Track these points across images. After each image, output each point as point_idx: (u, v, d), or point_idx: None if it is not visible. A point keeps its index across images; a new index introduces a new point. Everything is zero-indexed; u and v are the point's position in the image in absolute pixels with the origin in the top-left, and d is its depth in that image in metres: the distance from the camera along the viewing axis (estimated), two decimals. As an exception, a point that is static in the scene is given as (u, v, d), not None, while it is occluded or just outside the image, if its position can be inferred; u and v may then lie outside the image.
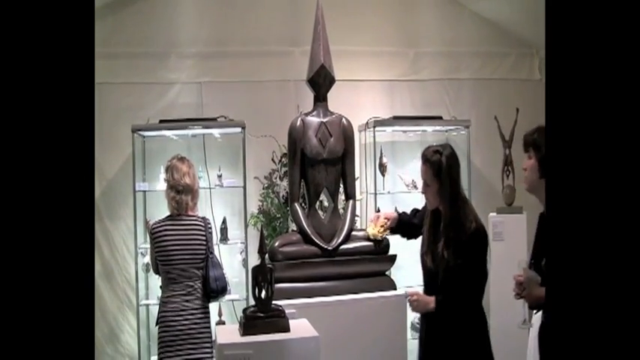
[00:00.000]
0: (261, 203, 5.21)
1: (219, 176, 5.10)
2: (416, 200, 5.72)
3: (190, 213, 4.01)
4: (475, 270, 3.17)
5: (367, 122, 5.28)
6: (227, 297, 4.68)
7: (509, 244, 5.24)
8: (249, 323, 2.85)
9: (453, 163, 3.25)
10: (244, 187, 4.99)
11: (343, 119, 4.36)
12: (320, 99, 4.36)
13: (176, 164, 4.04)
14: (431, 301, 3.14)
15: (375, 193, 5.28)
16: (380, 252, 4.13)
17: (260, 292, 2.93)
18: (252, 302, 3.03)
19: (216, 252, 4.23)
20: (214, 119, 4.98)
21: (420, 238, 3.40)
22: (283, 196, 5.12)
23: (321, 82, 4.30)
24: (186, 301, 3.84)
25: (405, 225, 3.80)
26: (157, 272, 4.07)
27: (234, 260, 5.17)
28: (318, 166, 4.20)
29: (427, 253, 3.23)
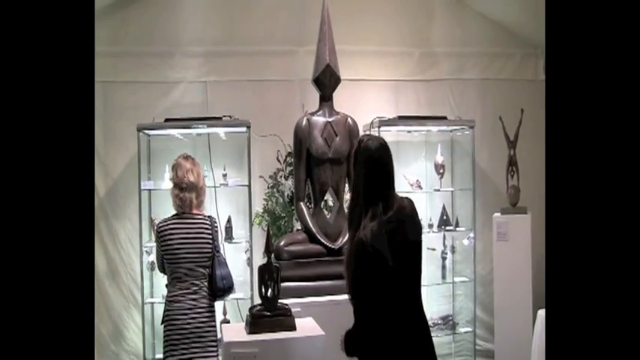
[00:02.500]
0: (266, 202, 5.22)
1: (224, 175, 5.11)
2: (420, 200, 5.75)
3: (195, 211, 4.00)
4: (356, 285, 2.82)
5: (372, 122, 5.28)
6: (232, 296, 4.69)
7: (514, 245, 5.25)
8: (256, 322, 2.86)
9: (359, 158, 2.92)
10: (249, 186, 5.00)
11: (349, 119, 4.37)
12: (325, 98, 4.37)
13: (180, 162, 4.04)
14: None
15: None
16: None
17: (266, 290, 2.94)
18: (257, 301, 3.04)
19: (221, 251, 4.24)
20: (219, 118, 4.98)
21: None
22: (288, 195, 5.13)
23: (326, 81, 4.31)
24: (193, 299, 3.84)
25: None
26: (162, 271, 4.06)
27: (238, 259, 5.18)
28: (324, 166, 4.21)
29: None
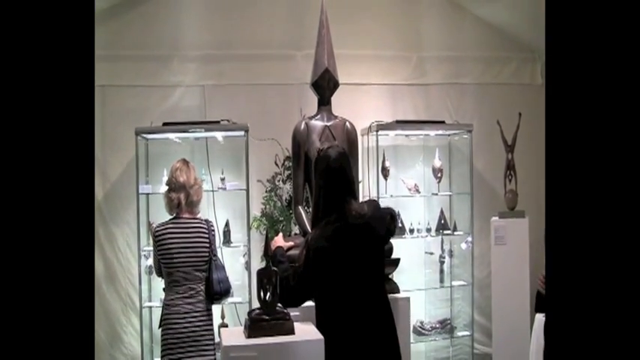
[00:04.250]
0: (264, 206, 5.22)
1: (222, 179, 5.11)
2: (418, 204, 5.76)
3: (191, 215, 4.00)
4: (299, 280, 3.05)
5: (370, 126, 5.29)
6: (230, 299, 4.68)
7: (512, 249, 5.26)
8: (255, 326, 2.86)
9: (318, 167, 3.17)
10: (247, 190, 4.99)
11: (347, 123, 4.37)
12: (324, 103, 4.37)
13: (173, 164, 4.06)
14: None
15: (378, 197, 5.29)
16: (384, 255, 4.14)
17: (265, 294, 2.94)
18: (255, 305, 3.05)
19: (218, 254, 4.24)
20: (217, 122, 4.98)
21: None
22: (286, 199, 5.13)
23: (325, 85, 4.32)
24: (189, 303, 3.84)
25: None
26: (159, 275, 4.07)
27: (236, 263, 5.18)
28: (322, 170, 4.21)
29: None
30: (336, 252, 2.98)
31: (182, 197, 3.94)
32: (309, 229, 4.11)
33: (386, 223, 3.14)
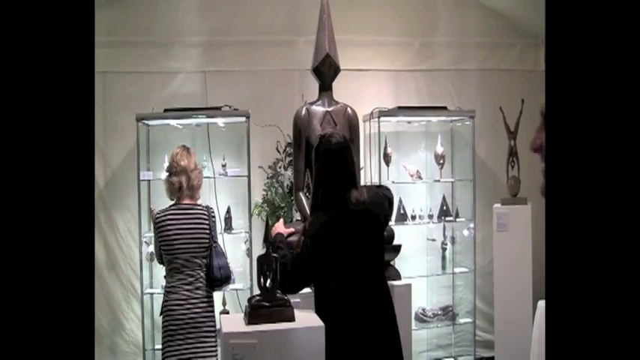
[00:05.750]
0: (265, 193, 5.21)
1: (224, 165, 5.09)
2: (421, 190, 5.75)
3: (191, 201, 3.99)
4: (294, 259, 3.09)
5: (372, 112, 5.26)
6: (231, 286, 4.68)
7: (514, 236, 5.24)
8: (255, 312, 2.85)
9: (318, 154, 3.13)
10: (249, 177, 4.98)
11: (348, 109, 4.35)
12: (325, 88, 4.35)
13: (174, 150, 4.06)
14: None
15: (380, 183, 5.28)
16: (385, 242, 4.13)
17: (265, 281, 2.92)
18: (256, 291, 3.03)
19: (220, 241, 4.23)
20: (219, 108, 4.96)
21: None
22: (287, 185, 5.12)
23: (326, 71, 4.30)
24: (189, 290, 3.84)
25: None
26: (160, 262, 4.07)
27: (238, 250, 5.17)
28: (323, 155, 4.20)
29: None
30: (334, 239, 2.97)
31: (183, 181, 3.93)
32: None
33: (385, 210, 3.13)
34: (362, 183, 4.73)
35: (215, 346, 3.89)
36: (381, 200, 3.13)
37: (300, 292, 3.15)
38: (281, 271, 2.96)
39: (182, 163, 3.94)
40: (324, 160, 3.06)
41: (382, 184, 3.72)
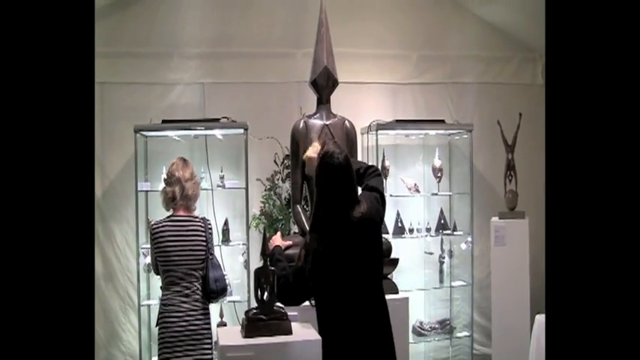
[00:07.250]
0: (263, 205, 5.20)
1: (221, 177, 5.09)
2: (418, 203, 5.74)
3: (186, 213, 3.98)
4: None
5: (370, 125, 5.27)
6: (228, 298, 4.67)
7: (512, 249, 5.24)
8: (252, 325, 2.84)
9: (320, 170, 3.09)
10: (246, 189, 4.98)
11: (346, 122, 4.36)
12: (323, 101, 4.36)
13: (171, 162, 4.06)
14: None
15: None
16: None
17: (262, 294, 2.92)
18: (253, 304, 3.02)
19: (217, 253, 4.22)
20: (217, 120, 4.96)
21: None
22: (285, 198, 5.12)
23: (324, 84, 4.30)
24: (186, 302, 3.82)
25: None
26: (157, 273, 4.05)
27: (235, 262, 5.16)
28: (321, 169, 4.19)
29: None
30: (337, 254, 2.95)
31: (177, 191, 3.91)
32: (308, 229, 4.10)
33: (380, 212, 3.13)
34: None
35: (212, 357, 3.87)
36: (377, 207, 3.12)
37: (300, 304, 3.14)
38: (280, 284, 2.95)
39: (177, 174, 3.94)
40: (326, 180, 3.03)
41: (372, 164, 3.71)
